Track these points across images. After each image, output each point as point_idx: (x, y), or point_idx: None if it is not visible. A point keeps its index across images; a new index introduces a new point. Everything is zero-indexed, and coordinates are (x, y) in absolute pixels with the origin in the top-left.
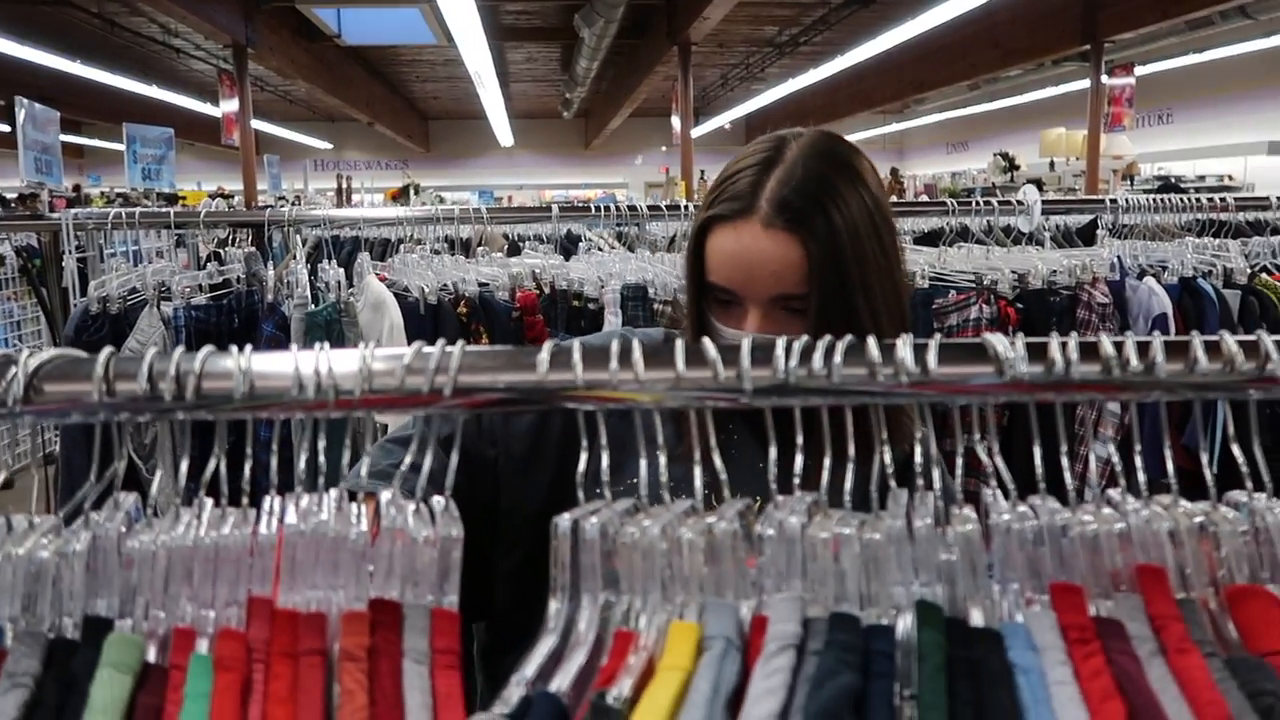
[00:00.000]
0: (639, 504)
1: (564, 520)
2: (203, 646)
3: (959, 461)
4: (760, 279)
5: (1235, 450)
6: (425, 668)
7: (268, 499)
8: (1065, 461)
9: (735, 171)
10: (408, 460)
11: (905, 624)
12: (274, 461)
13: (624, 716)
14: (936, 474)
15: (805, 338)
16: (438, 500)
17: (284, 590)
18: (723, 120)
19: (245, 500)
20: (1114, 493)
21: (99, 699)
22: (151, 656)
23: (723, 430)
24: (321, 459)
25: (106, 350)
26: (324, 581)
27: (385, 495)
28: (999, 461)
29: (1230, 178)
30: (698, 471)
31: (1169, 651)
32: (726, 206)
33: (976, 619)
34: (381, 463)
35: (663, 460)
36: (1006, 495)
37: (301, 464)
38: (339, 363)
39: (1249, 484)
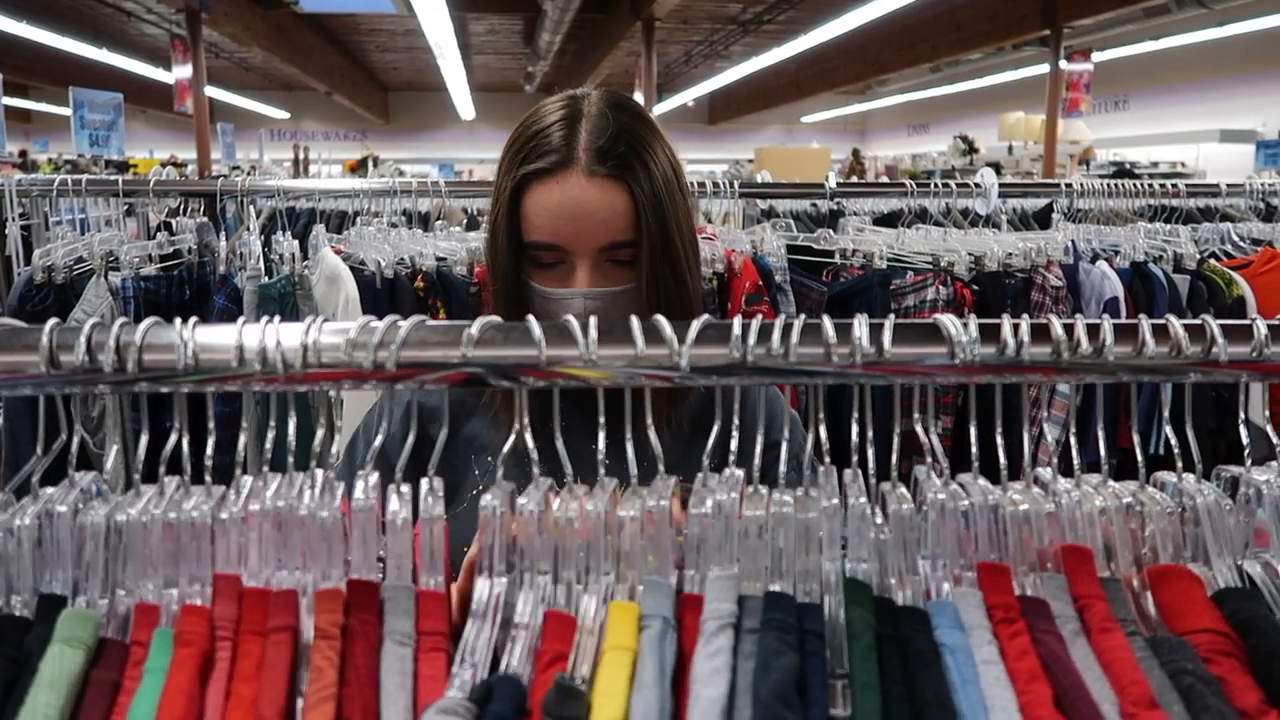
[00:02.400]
0: (567, 483)
1: (488, 500)
2: (167, 623)
3: (895, 442)
4: (589, 229)
5: (1168, 432)
6: (409, 650)
7: (233, 478)
8: (1005, 441)
9: (538, 130)
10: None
11: (831, 602)
12: (242, 438)
13: (587, 697)
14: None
15: (759, 319)
16: (422, 481)
17: (252, 570)
18: (686, 97)
19: (208, 479)
20: (1044, 472)
21: (47, 673)
22: (111, 634)
23: (550, 418)
24: (271, 436)
25: (52, 321)
26: (295, 562)
27: (365, 478)
28: (935, 440)
29: (1183, 164)
30: (611, 452)
31: (1092, 631)
32: (544, 161)
33: (903, 597)
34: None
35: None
36: (940, 474)
37: (268, 441)
38: (285, 336)
39: (1179, 464)
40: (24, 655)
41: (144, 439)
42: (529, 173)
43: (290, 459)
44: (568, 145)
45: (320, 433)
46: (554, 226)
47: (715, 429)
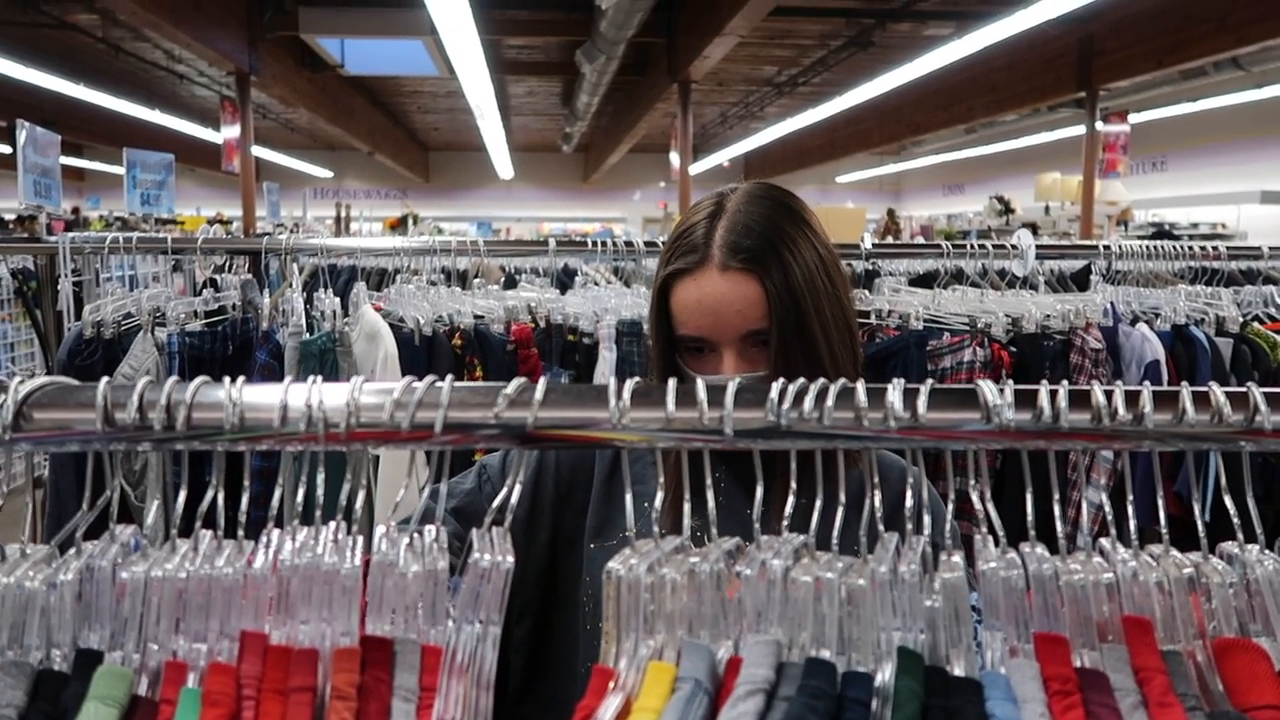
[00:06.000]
0: (629, 541)
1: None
2: (194, 681)
3: (950, 506)
4: (727, 321)
5: (1228, 502)
6: (412, 706)
7: (264, 532)
8: (1057, 509)
9: (685, 229)
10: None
11: (886, 672)
12: (277, 493)
13: None
14: (926, 519)
15: (801, 380)
16: (428, 530)
17: (277, 623)
18: (722, 158)
19: (240, 532)
20: (1105, 542)
21: None
22: (143, 690)
23: (709, 477)
24: (320, 491)
25: (104, 380)
26: (317, 615)
27: (380, 529)
28: (990, 508)
29: (1223, 226)
30: (686, 509)
31: (1150, 705)
32: (683, 261)
33: (959, 668)
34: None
35: (656, 504)
36: (997, 542)
37: (299, 496)
38: (329, 396)
39: (1240, 535)
40: (60, 711)
41: (183, 493)
42: (671, 272)
43: (318, 513)
44: (706, 243)
45: (346, 487)
46: (696, 321)
47: (830, 501)
